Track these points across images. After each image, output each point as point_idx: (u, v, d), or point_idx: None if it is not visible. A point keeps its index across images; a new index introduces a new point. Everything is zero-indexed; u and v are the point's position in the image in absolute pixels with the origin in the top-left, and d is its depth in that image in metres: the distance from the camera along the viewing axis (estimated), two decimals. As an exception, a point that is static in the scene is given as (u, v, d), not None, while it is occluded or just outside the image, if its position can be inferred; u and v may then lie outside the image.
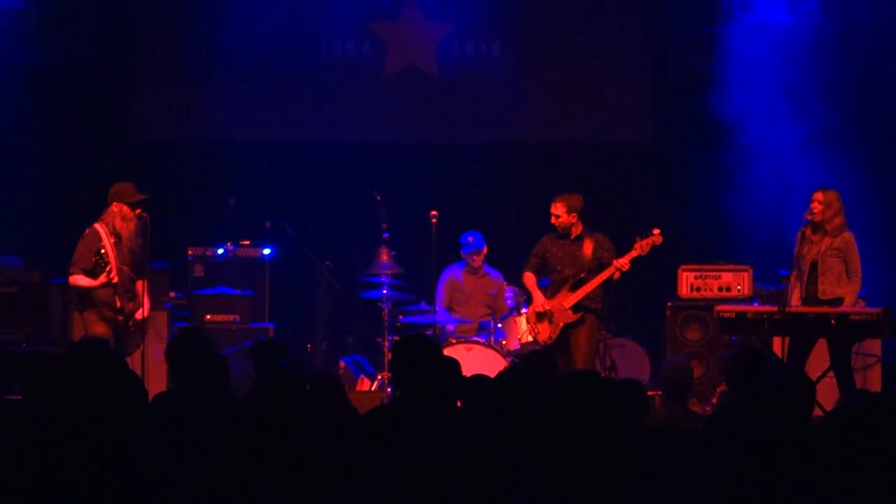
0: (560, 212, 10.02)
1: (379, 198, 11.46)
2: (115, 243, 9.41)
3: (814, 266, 9.62)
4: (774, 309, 9.50)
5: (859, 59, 11.99)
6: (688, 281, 11.27)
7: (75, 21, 12.29)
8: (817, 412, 6.46)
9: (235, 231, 11.69)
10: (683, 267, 11.31)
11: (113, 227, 9.44)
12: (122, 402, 4.68)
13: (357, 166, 12.43)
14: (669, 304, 11.26)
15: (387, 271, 10.94)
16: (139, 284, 9.59)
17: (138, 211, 9.47)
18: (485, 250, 11.15)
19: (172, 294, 11.32)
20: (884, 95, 11.96)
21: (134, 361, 9.14)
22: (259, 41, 12.41)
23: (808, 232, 9.66)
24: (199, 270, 11.57)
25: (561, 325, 9.97)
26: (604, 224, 10.35)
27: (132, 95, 12.71)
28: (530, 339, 10.19)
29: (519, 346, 10.37)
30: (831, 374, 9.53)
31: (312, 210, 12.33)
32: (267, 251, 11.64)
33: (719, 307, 9.93)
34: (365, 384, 10.80)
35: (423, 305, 11.02)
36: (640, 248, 9.87)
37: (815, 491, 4.67)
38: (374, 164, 12.37)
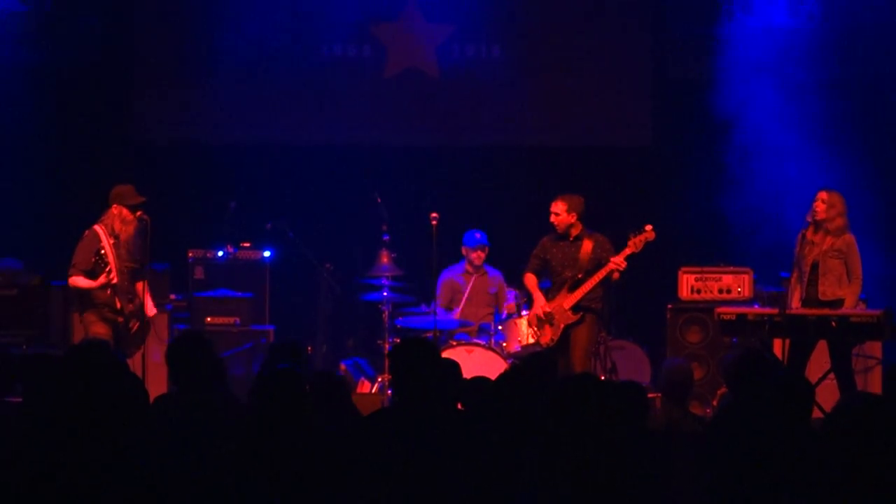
0: (560, 210, 10.03)
1: (379, 200, 11.45)
2: (114, 245, 9.42)
3: (815, 267, 9.63)
4: (775, 311, 9.51)
5: (859, 60, 11.99)
6: (688, 283, 11.27)
7: (75, 23, 12.29)
8: (817, 414, 6.46)
9: (236, 233, 11.69)
10: (684, 269, 11.31)
11: (112, 229, 9.45)
12: (123, 404, 4.68)
13: (357, 168, 12.43)
14: (670, 306, 11.26)
15: (387, 273, 10.94)
16: (139, 285, 9.60)
17: (139, 213, 9.47)
18: (488, 249, 11.18)
19: (173, 296, 11.32)
20: (884, 96, 11.96)
21: (134, 363, 9.14)
22: (259, 43, 12.41)
23: (809, 233, 9.66)
24: (199, 273, 11.57)
25: (562, 326, 9.97)
26: (603, 225, 10.35)
27: (132, 97, 12.70)
28: (531, 341, 10.19)
29: (519, 349, 10.37)
30: (832, 375, 9.54)
31: (313, 212, 12.33)
32: (267, 253, 11.64)
33: (720, 309, 9.94)
34: (365, 386, 10.80)
35: (424, 307, 11.02)
36: (634, 244, 9.90)
37: (815, 493, 4.67)
38: (375, 166, 12.36)
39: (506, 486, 5.02)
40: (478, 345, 10.44)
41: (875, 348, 10.53)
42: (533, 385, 5.77)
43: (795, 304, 9.69)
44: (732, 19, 12.15)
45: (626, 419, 5.48)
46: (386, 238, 11.12)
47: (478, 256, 11.16)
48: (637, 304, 11.58)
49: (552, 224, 10.09)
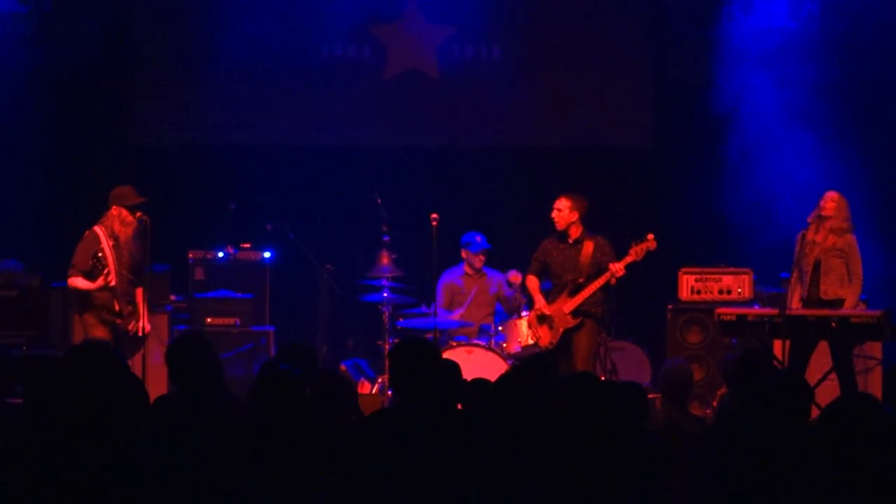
0: (564, 207, 10.02)
1: (379, 201, 11.45)
2: (113, 246, 9.42)
3: (816, 266, 9.66)
4: (775, 312, 9.52)
5: (860, 60, 11.99)
6: (688, 284, 11.27)
7: (75, 24, 12.28)
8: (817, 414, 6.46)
9: (236, 234, 11.69)
10: (684, 270, 11.31)
11: (112, 231, 9.44)
12: (123, 405, 4.68)
13: (357, 169, 12.42)
14: (670, 306, 11.26)
15: (387, 274, 10.94)
16: (138, 293, 9.58)
17: (139, 214, 9.47)
18: (489, 251, 11.18)
19: (173, 297, 11.33)
20: (885, 97, 11.96)
21: (135, 364, 9.14)
22: (259, 44, 12.41)
23: (810, 233, 9.68)
24: (199, 274, 11.57)
25: (561, 330, 9.98)
26: (604, 227, 10.35)
27: (132, 98, 12.70)
28: (531, 342, 10.19)
29: (520, 350, 10.37)
30: (832, 376, 9.55)
31: (313, 213, 12.33)
32: (267, 254, 11.64)
33: (720, 310, 9.95)
34: (365, 387, 10.80)
35: (424, 308, 11.03)
36: (636, 253, 9.91)
37: (815, 494, 4.67)
38: (375, 167, 12.36)
39: (506, 487, 5.02)
40: (478, 346, 10.45)
41: (875, 349, 10.53)
42: (533, 386, 5.76)
43: (795, 305, 9.70)
44: (733, 19, 12.14)
45: (626, 420, 5.48)
46: (386, 239, 11.13)
47: (479, 260, 11.16)
48: (637, 305, 11.58)
49: (552, 220, 10.07)
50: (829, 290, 9.64)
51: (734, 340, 10.54)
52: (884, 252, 10.86)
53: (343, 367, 11.20)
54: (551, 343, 10.00)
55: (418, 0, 12.65)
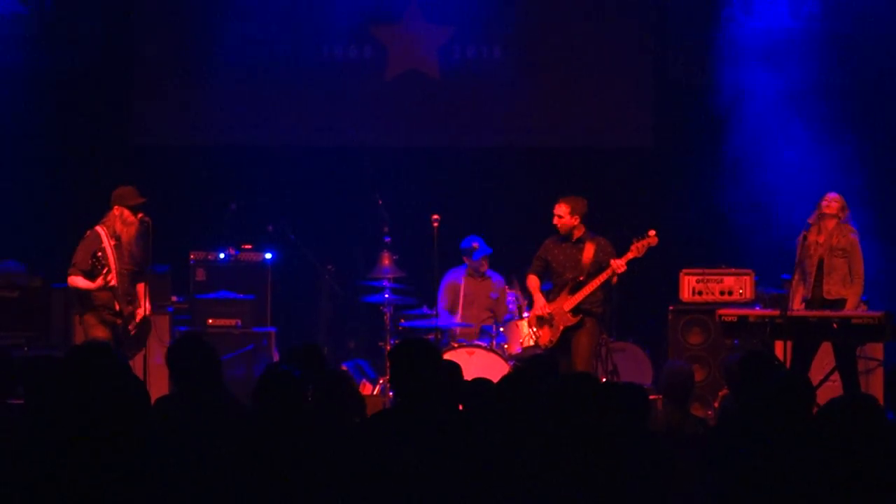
0: (563, 212, 10.03)
1: (380, 202, 11.46)
2: (115, 246, 9.42)
3: (820, 266, 9.68)
4: (776, 313, 9.52)
5: (861, 61, 11.99)
6: (689, 285, 11.27)
7: (76, 25, 12.30)
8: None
9: (237, 235, 11.69)
10: (685, 271, 11.31)
11: (114, 231, 9.45)
12: (124, 406, 4.68)
13: (358, 170, 12.43)
14: (671, 307, 11.26)
15: (388, 275, 10.95)
16: (139, 287, 9.60)
17: (140, 215, 9.47)
18: (490, 254, 11.17)
19: (174, 298, 11.33)
20: (885, 97, 11.96)
21: (136, 365, 9.13)
22: (260, 45, 12.42)
23: (811, 234, 9.70)
24: (200, 274, 11.57)
25: (561, 328, 9.97)
26: (605, 227, 10.35)
27: (133, 99, 12.71)
28: (532, 342, 10.19)
29: (521, 350, 10.37)
30: (833, 377, 9.55)
31: (314, 214, 12.33)
32: (269, 255, 11.64)
33: (721, 311, 9.95)
34: (367, 388, 10.80)
35: (425, 309, 11.03)
36: (637, 249, 9.91)
37: (816, 494, 4.67)
38: (376, 168, 12.37)
39: (507, 488, 5.02)
40: (479, 346, 10.45)
41: (876, 350, 10.53)
42: (534, 387, 5.76)
43: (797, 306, 9.71)
44: (733, 20, 12.15)
45: (627, 421, 5.48)
46: (387, 240, 11.13)
47: (481, 265, 11.17)
48: (638, 306, 11.58)
49: (555, 226, 10.09)
50: (832, 289, 9.66)
51: (735, 341, 10.53)
52: (885, 252, 10.86)
53: (344, 367, 11.20)
54: (551, 341, 9.99)
55: (419, 1, 12.65)
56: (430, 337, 10.47)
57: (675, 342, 11.18)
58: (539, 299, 10.12)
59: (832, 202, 9.70)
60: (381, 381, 10.65)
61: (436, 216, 10.55)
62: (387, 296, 10.86)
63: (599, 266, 9.98)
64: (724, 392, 9.86)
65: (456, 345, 10.51)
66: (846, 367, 9.52)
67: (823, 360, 9.69)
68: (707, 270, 11.29)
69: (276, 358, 11.05)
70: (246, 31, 12.31)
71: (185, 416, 5.74)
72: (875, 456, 4.47)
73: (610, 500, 4.83)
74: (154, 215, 9.52)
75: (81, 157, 12.36)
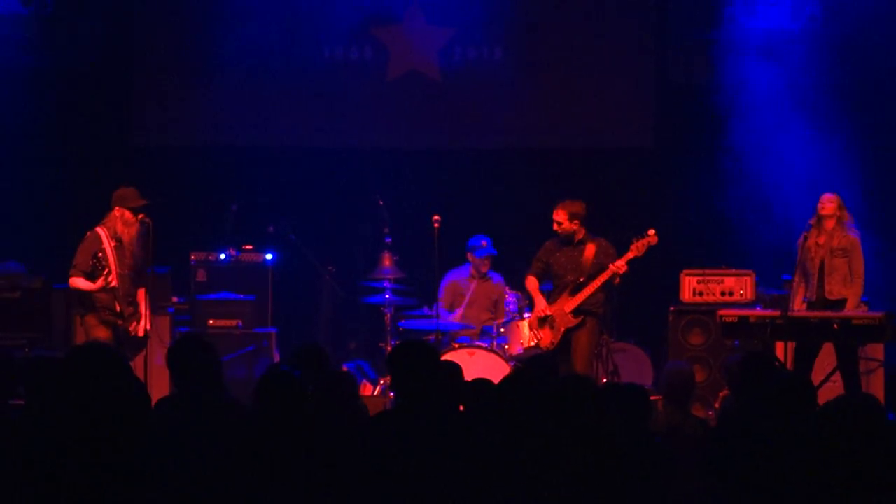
0: (562, 219, 10.03)
1: (381, 202, 11.45)
2: (115, 247, 9.42)
3: (822, 267, 9.68)
4: (777, 313, 9.53)
5: (861, 62, 11.98)
6: (690, 285, 11.27)
7: (76, 26, 12.30)
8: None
9: (238, 236, 11.69)
10: (686, 271, 11.30)
11: (114, 232, 9.45)
12: (125, 407, 4.68)
13: (359, 171, 12.44)
14: (672, 308, 11.25)
15: (389, 276, 10.94)
16: (140, 294, 9.59)
17: (141, 216, 9.48)
18: (495, 256, 11.17)
19: (175, 299, 11.32)
20: (886, 98, 11.96)
21: (136, 366, 9.13)
22: (261, 45, 12.40)
23: (812, 236, 9.71)
24: (201, 275, 11.57)
25: (562, 329, 9.97)
26: (606, 228, 10.36)
27: (133, 100, 12.71)
28: (533, 343, 10.19)
29: (521, 351, 10.37)
30: (834, 377, 9.55)
31: (315, 215, 12.33)
32: (269, 256, 11.64)
33: (722, 311, 9.95)
34: (367, 389, 10.80)
35: (426, 310, 11.02)
36: (637, 248, 9.91)
37: (817, 495, 4.67)
38: (377, 169, 12.37)
39: (508, 488, 5.02)
40: (480, 347, 10.44)
41: (877, 350, 10.53)
42: (534, 388, 5.76)
43: (798, 307, 9.71)
44: (734, 21, 12.15)
45: (628, 422, 5.48)
46: (388, 241, 11.13)
47: (483, 264, 11.16)
48: (639, 307, 11.58)
49: (555, 231, 10.11)
50: (834, 290, 9.67)
51: (736, 342, 10.54)
52: (885, 253, 10.86)
53: (345, 368, 11.20)
54: (552, 343, 10.00)
55: (419, 2, 12.65)
56: (430, 338, 10.47)
57: (675, 343, 11.18)
58: (540, 301, 10.12)
59: (827, 203, 9.72)
60: (381, 382, 10.65)
61: (436, 217, 10.55)
62: (387, 296, 10.86)
63: (600, 267, 9.98)
64: (724, 393, 9.87)
65: (457, 345, 10.51)
66: (847, 367, 9.52)
67: (824, 360, 9.69)
68: (708, 271, 11.29)
69: (276, 359, 11.05)
70: (247, 31, 12.29)
71: (185, 417, 5.74)
72: (876, 456, 4.47)
73: (610, 500, 4.83)
74: (154, 216, 9.53)
75: (82, 157, 12.35)
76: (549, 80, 12.71)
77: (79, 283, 9.38)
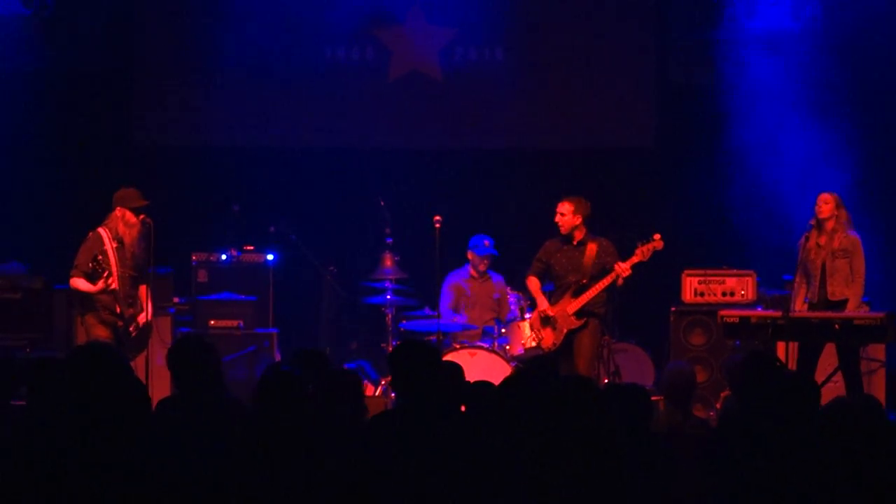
0: (566, 210, 10.01)
1: (382, 203, 11.45)
2: (117, 248, 9.42)
3: (823, 268, 9.68)
4: (778, 314, 9.53)
5: (862, 62, 11.99)
6: (691, 286, 11.27)
7: (77, 27, 12.30)
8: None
9: (239, 236, 11.69)
10: (687, 272, 11.31)
11: (116, 232, 9.45)
12: (126, 407, 4.68)
13: (360, 171, 12.44)
14: (673, 308, 11.26)
15: (390, 276, 10.95)
16: (142, 289, 9.61)
17: (142, 216, 9.48)
18: (495, 256, 11.17)
19: (176, 299, 11.32)
20: (887, 98, 11.95)
21: (137, 367, 9.13)
22: (262, 46, 12.41)
23: (813, 236, 9.71)
24: (202, 276, 11.57)
25: (565, 331, 9.97)
26: (607, 228, 10.36)
27: (134, 100, 12.71)
28: (534, 344, 10.18)
29: (523, 352, 10.36)
30: (836, 378, 9.55)
31: (316, 215, 12.33)
32: (271, 257, 11.64)
33: (723, 312, 9.95)
34: (369, 389, 10.80)
35: (427, 311, 11.02)
36: (642, 253, 9.89)
37: (819, 496, 4.67)
38: (378, 169, 12.37)
39: (509, 489, 5.02)
40: (481, 348, 10.44)
41: (879, 351, 10.53)
42: (535, 388, 5.76)
43: (799, 307, 9.71)
44: (734, 21, 12.15)
45: (629, 422, 5.48)
46: (389, 241, 11.13)
47: (483, 263, 11.16)
48: (640, 307, 11.57)
49: (556, 224, 10.07)
50: (836, 291, 9.67)
51: (737, 342, 10.54)
52: (887, 253, 10.86)
53: (346, 369, 11.20)
54: (554, 344, 9.99)
55: (421, 2, 12.66)
56: (431, 339, 10.47)
57: (676, 343, 11.18)
58: (542, 301, 10.11)
59: (823, 205, 9.72)
60: (382, 383, 10.66)
61: (438, 217, 10.54)
62: (389, 297, 10.86)
63: (602, 268, 9.97)
64: (725, 393, 9.88)
65: (458, 346, 10.51)
66: (849, 368, 9.52)
67: (826, 361, 9.69)
68: (709, 271, 11.29)
69: (277, 359, 11.05)
70: (248, 31, 12.30)
71: (186, 418, 5.74)
72: (877, 457, 4.47)
73: (611, 501, 4.83)
74: (156, 216, 9.53)
75: (82, 157, 12.36)
76: (549, 80, 12.72)
77: (79, 283, 9.38)
